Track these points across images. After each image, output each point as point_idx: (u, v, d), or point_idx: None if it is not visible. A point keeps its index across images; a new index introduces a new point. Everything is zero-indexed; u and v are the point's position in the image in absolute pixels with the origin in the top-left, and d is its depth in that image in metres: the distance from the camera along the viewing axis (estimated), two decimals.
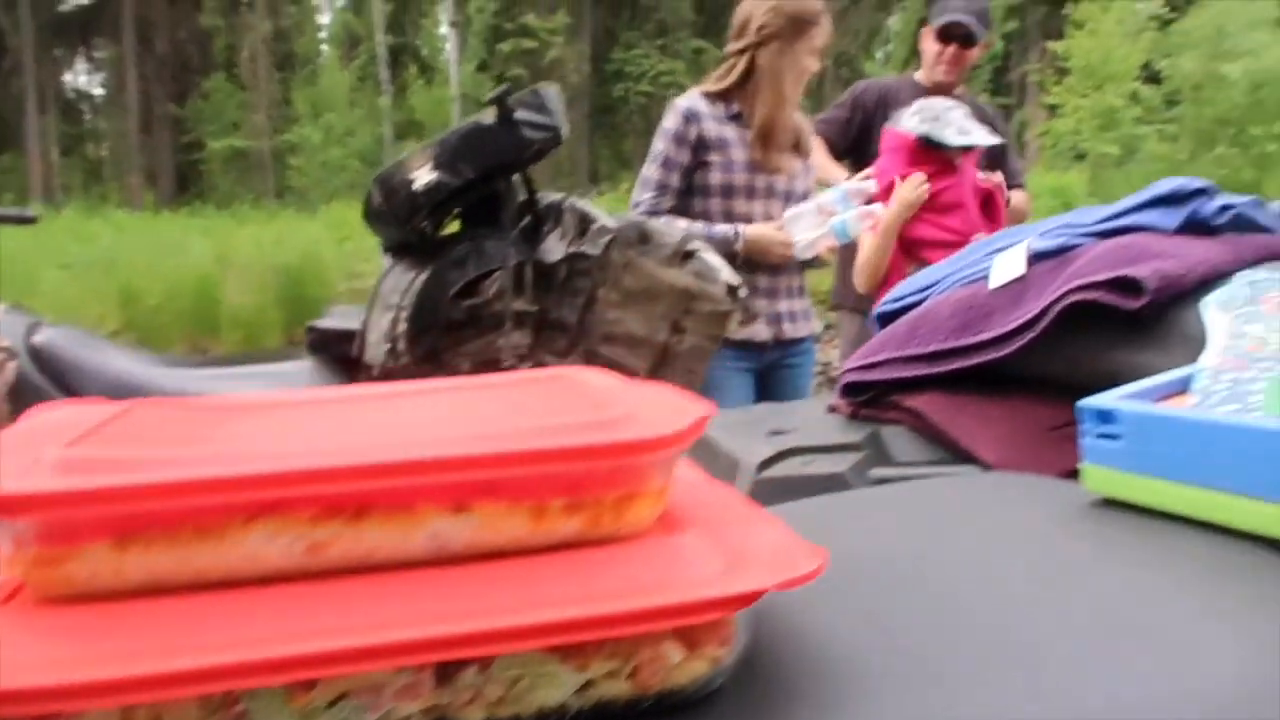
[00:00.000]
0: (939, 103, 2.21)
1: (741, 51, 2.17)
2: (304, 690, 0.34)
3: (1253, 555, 0.49)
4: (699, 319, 1.43)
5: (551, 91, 1.33)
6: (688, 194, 2.16)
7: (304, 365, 1.59)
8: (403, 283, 1.33)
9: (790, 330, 2.22)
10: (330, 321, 1.53)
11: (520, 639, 0.34)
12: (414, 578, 0.37)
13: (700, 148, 2.13)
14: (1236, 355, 0.61)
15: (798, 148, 2.24)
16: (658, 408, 0.44)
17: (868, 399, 0.89)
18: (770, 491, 0.78)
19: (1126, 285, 0.70)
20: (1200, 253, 0.71)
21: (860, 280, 2.20)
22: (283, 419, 0.44)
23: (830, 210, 2.01)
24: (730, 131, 2.15)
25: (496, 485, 0.37)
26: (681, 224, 2.08)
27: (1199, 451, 0.52)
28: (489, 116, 1.26)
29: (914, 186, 2.09)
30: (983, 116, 2.69)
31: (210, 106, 22.18)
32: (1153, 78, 16.64)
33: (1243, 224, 0.78)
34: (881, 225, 2.14)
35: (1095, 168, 16.31)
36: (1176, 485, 0.53)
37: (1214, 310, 0.67)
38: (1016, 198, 2.58)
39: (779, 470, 0.80)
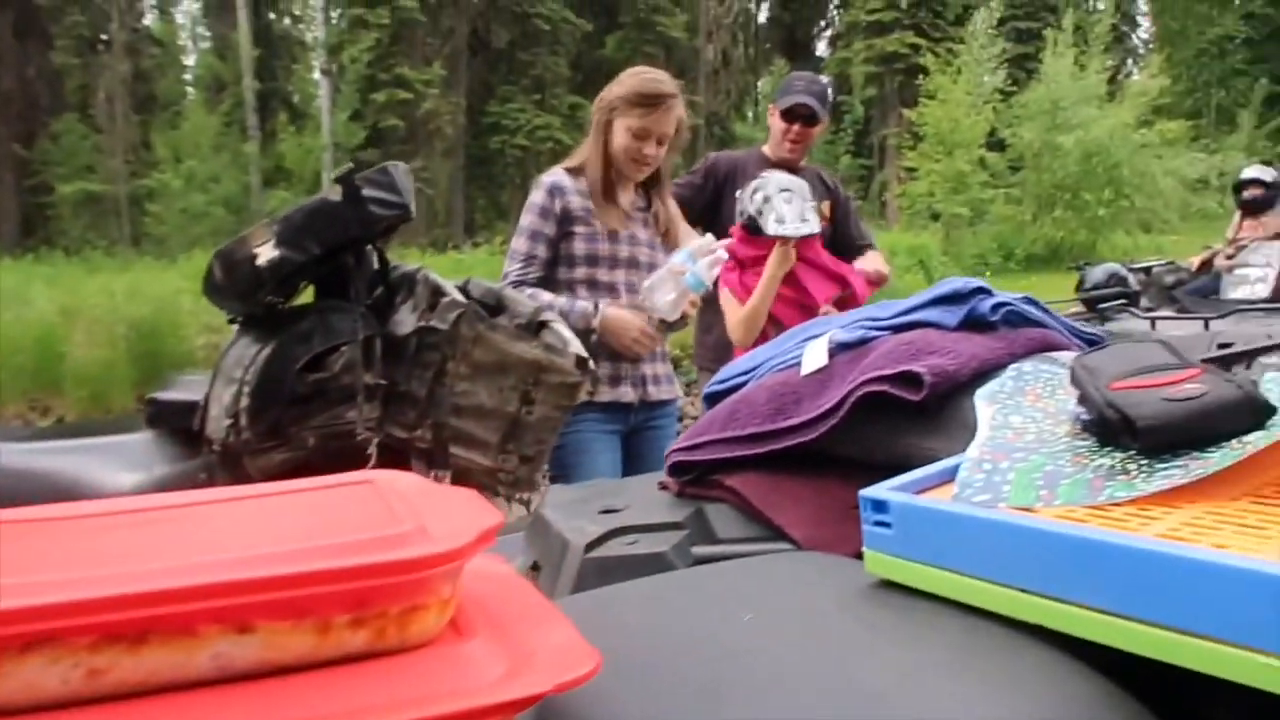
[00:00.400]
0: (775, 183, 2.40)
1: (595, 125, 2.26)
2: None
3: (1002, 637, 0.55)
4: (549, 390, 1.46)
5: (401, 168, 1.35)
6: (553, 263, 2.22)
7: (144, 438, 1.53)
8: (247, 355, 1.31)
9: (655, 393, 2.29)
10: (171, 393, 1.49)
11: None
12: (196, 699, 0.39)
13: (565, 220, 2.20)
14: (995, 446, 0.68)
15: (665, 233, 2.31)
16: (450, 519, 0.46)
17: (694, 477, 0.94)
18: (597, 571, 0.82)
19: (909, 379, 0.77)
20: (974, 348, 0.80)
21: (737, 335, 2.34)
22: (67, 537, 0.45)
23: (681, 269, 2.09)
24: (593, 204, 2.22)
25: (279, 605, 0.39)
26: (545, 297, 2.12)
27: (953, 541, 0.58)
28: (336, 193, 1.27)
29: (789, 250, 2.32)
30: (824, 187, 2.91)
31: (60, 148, 21.05)
32: (998, 145, 17.87)
33: (1016, 319, 0.87)
34: (762, 282, 2.33)
35: (948, 227, 17.33)
36: (938, 571, 0.59)
37: (982, 402, 0.74)
38: (867, 260, 2.76)
39: (605, 550, 0.83)
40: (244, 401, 1.29)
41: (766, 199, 2.36)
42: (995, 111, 17.44)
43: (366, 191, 1.30)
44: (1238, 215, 5.70)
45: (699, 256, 2.09)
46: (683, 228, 2.40)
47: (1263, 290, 4.28)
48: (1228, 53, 27.70)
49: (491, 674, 0.42)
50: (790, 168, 2.75)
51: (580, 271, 2.22)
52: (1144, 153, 16.54)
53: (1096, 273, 5.00)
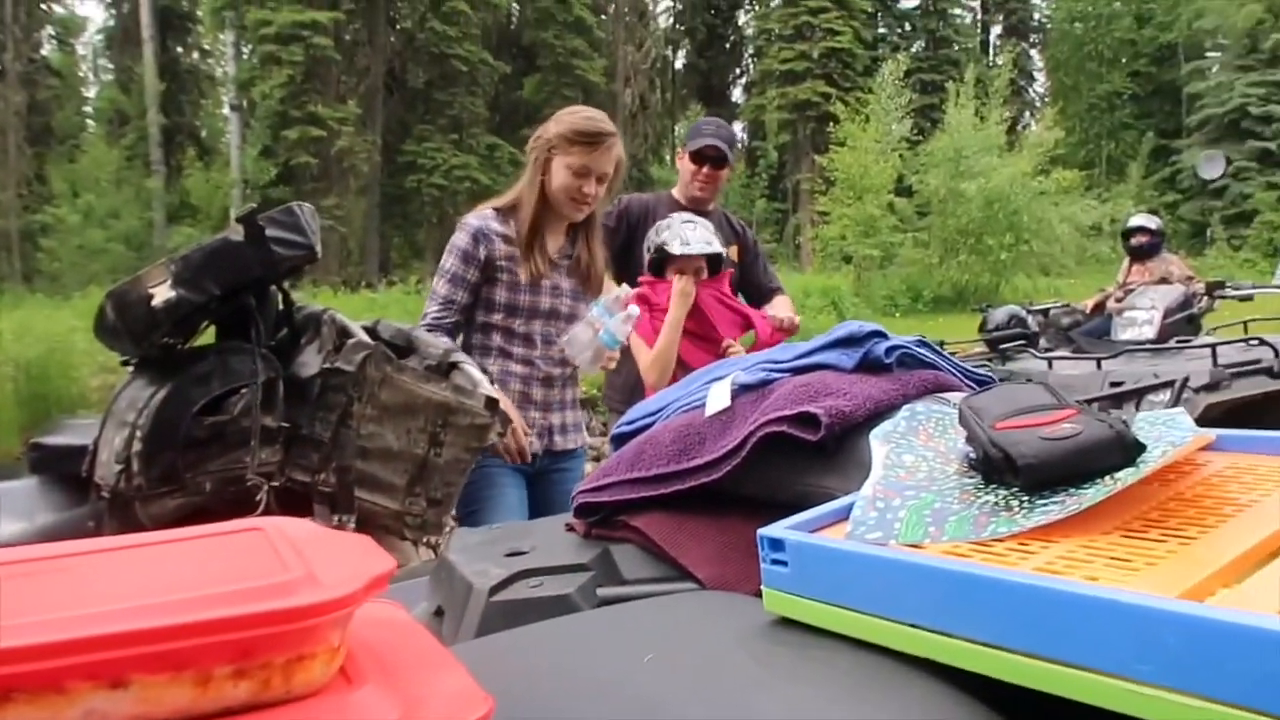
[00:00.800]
0: (678, 217, 2.51)
1: (532, 163, 2.23)
2: None
3: (892, 671, 0.57)
4: (458, 432, 1.45)
5: (306, 208, 1.33)
6: (473, 305, 2.20)
7: (27, 484, 1.46)
8: (141, 398, 1.27)
9: (560, 442, 2.28)
10: (57, 438, 1.43)
11: None
12: None
13: (488, 265, 2.18)
14: (889, 484, 0.71)
15: (588, 278, 2.30)
16: (340, 566, 0.46)
17: (600, 518, 0.94)
18: (501, 614, 0.81)
19: (807, 420, 0.79)
20: (870, 389, 0.82)
21: (650, 378, 2.36)
22: None
23: (597, 325, 2.10)
24: (518, 251, 2.19)
25: (155, 658, 0.38)
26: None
27: (846, 578, 0.60)
28: (238, 233, 1.24)
29: (685, 282, 2.36)
30: (732, 230, 2.99)
31: None
32: (906, 191, 18.52)
33: (909, 361, 0.90)
34: (666, 322, 2.36)
35: (859, 270, 17.85)
36: (833, 608, 0.61)
37: (876, 442, 0.77)
38: (777, 306, 2.83)
39: (510, 594, 0.83)
40: (137, 446, 1.25)
41: (669, 226, 2.46)
42: (902, 159, 18.10)
43: (270, 232, 1.28)
44: (1126, 260, 6.01)
45: (613, 310, 2.09)
46: (606, 276, 2.41)
47: (1149, 331, 4.51)
48: (1116, 107, 29.38)
49: None
50: (699, 209, 2.82)
51: (497, 317, 2.20)
52: (1041, 200, 17.34)
53: (998, 314, 5.20)
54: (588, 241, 2.30)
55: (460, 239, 2.19)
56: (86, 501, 1.32)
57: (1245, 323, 4.13)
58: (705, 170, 2.87)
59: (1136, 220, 6.04)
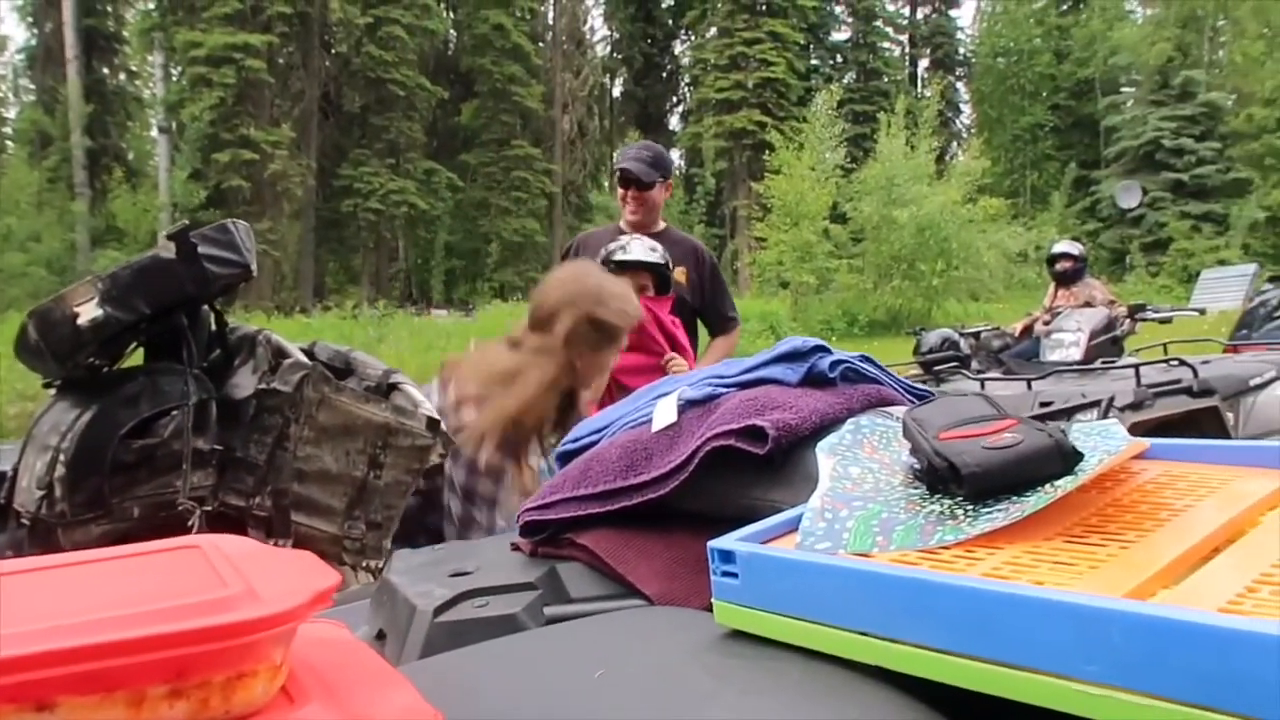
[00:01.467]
0: (624, 236, 2.64)
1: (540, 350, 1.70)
2: None
3: (842, 679, 0.57)
4: (398, 453, 1.42)
5: (241, 226, 1.30)
6: None
7: None
8: (64, 421, 1.22)
9: None
10: None
11: None
12: None
13: None
14: (836, 496, 0.71)
15: None
16: (281, 581, 0.44)
17: (546, 536, 0.93)
18: (446, 635, 0.79)
19: (754, 433, 0.79)
20: (815, 403, 0.83)
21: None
22: None
23: None
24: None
25: (83, 678, 0.36)
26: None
27: (796, 588, 0.60)
28: (169, 250, 1.21)
29: None
30: (694, 257, 3.03)
31: None
32: (840, 218, 18.89)
33: (853, 376, 0.91)
34: None
35: (796, 295, 18.12)
36: (783, 618, 0.61)
37: (823, 454, 0.77)
38: (714, 347, 3.01)
39: (454, 614, 0.81)
40: (60, 470, 1.20)
41: (615, 239, 2.59)
42: (837, 186, 18.47)
43: (203, 249, 1.24)
44: (1052, 285, 6.19)
45: None
46: None
47: (1075, 353, 4.65)
48: (1039, 139, 30.45)
49: None
50: (642, 231, 2.87)
51: None
52: (970, 227, 17.85)
53: (931, 337, 5.32)
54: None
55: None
56: (4, 530, 1.27)
57: (1165, 344, 4.29)
58: (631, 193, 2.95)
59: (1060, 247, 6.24)
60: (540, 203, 27.63)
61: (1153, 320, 5.11)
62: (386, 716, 0.43)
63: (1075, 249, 6.13)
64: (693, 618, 0.71)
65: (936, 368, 4.26)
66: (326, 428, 1.36)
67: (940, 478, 0.69)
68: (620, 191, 2.97)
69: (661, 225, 3.06)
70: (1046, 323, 5.33)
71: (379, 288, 23.48)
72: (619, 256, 2.48)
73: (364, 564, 1.40)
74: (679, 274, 2.87)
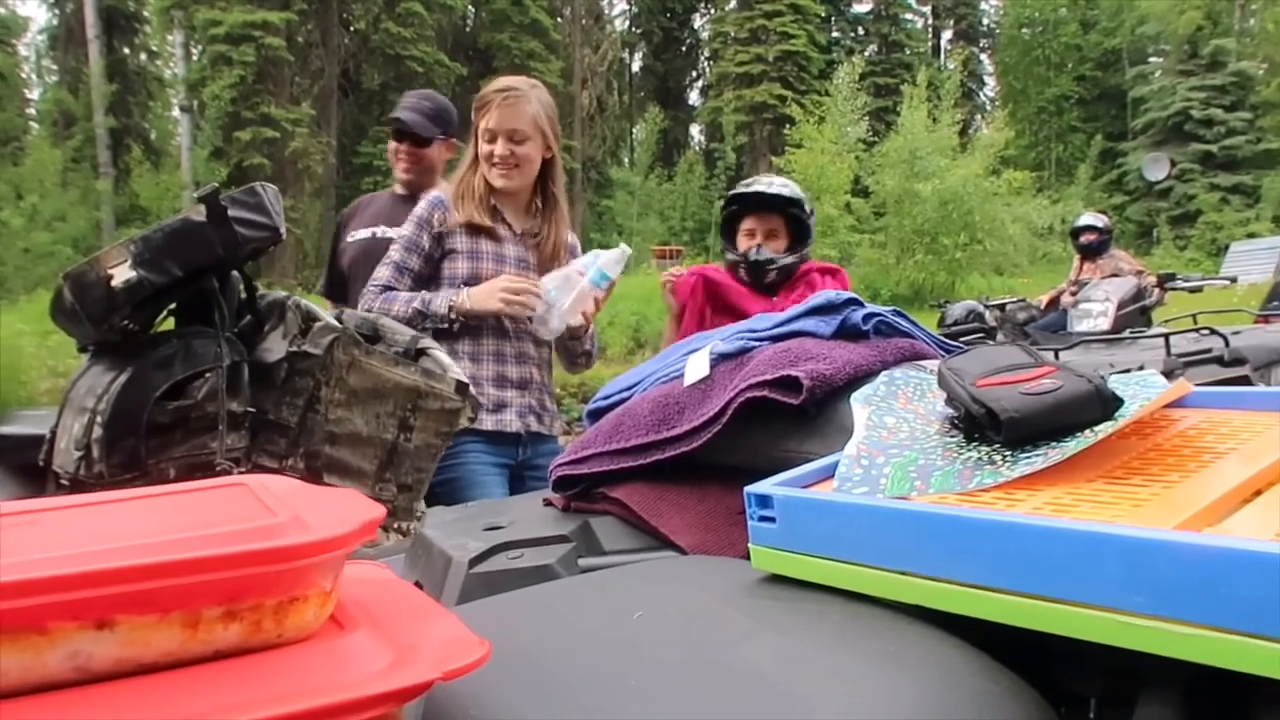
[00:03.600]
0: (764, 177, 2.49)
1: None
2: None
3: (883, 618, 0.57)
4: (428, 416, 1.42)
5: (270, 189, 1.30)
6: (434, 280, 2.12)
7: None
8: (100, 384, 1.23)
9: (540, 425, 2.20)
10: (12, 427, 1.39)
11: None
12: (47, 702, 0.35)
13: (447, 236, 2.11)
14: (872, 444, 0.71)
15: (553, 257, 2.19)
16: (329, 512, 0.44)
17: (578, 491, 0.93)
18: (482, 585, 0.80)
19: (788, 384, 0.79)
20: (848, 355, 0.82)
21: None
22: None
23: (582, 270, 2.01)
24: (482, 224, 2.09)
25: (140, 597, 0.37)
26: (403, 296, 2.05)
27: (835, 530, 0.60)
28: (199, 213, 1.21)
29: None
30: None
31: None
32: (862, 192, 18.71)
33: (886, 329, 0.91)
34: None
35: None
36: (821, 560, 0.61)
37: (857, 405, 0.77)
38: None
39: (489, 565, 0.82)
40: (97, 432, 1.21)
41: (393, 204, 2.47)
42: (858, 160, 18.29)
43: (233, 212, 1.25)
44: (1077, 258, 6.12)
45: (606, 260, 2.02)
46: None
47: (1104, 323, 4.60)
48: (1064, 111, 29.97)
49: (376, 665, 0.40)
50: (416, 192, 2.54)
51: None
52: (994, 200, 17.62)
53: (956, 310, 5.28)
54: (551, 219, 2.21)
55: (419, 207, 2.15)
56: (44, 491, 1.28)
57: (1194, 315, 4.23)
58: (404, 148, 2.61)
59: (1085, 219, 6.16)
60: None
61: (1182, 290, 5.04)
62: (434, 645, 0.43)
63: (1100, 221, 6.05)
64: (728, 564, 0.71)
65: (961, 340, 4.23)
66: (357, 391, 1.36)
67: (978, 424, 0.68)
68: (392, 145, 2.63)
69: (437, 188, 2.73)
70: (1073, 294, 5.27)
71: None
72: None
73: (395, 525, 1.41)
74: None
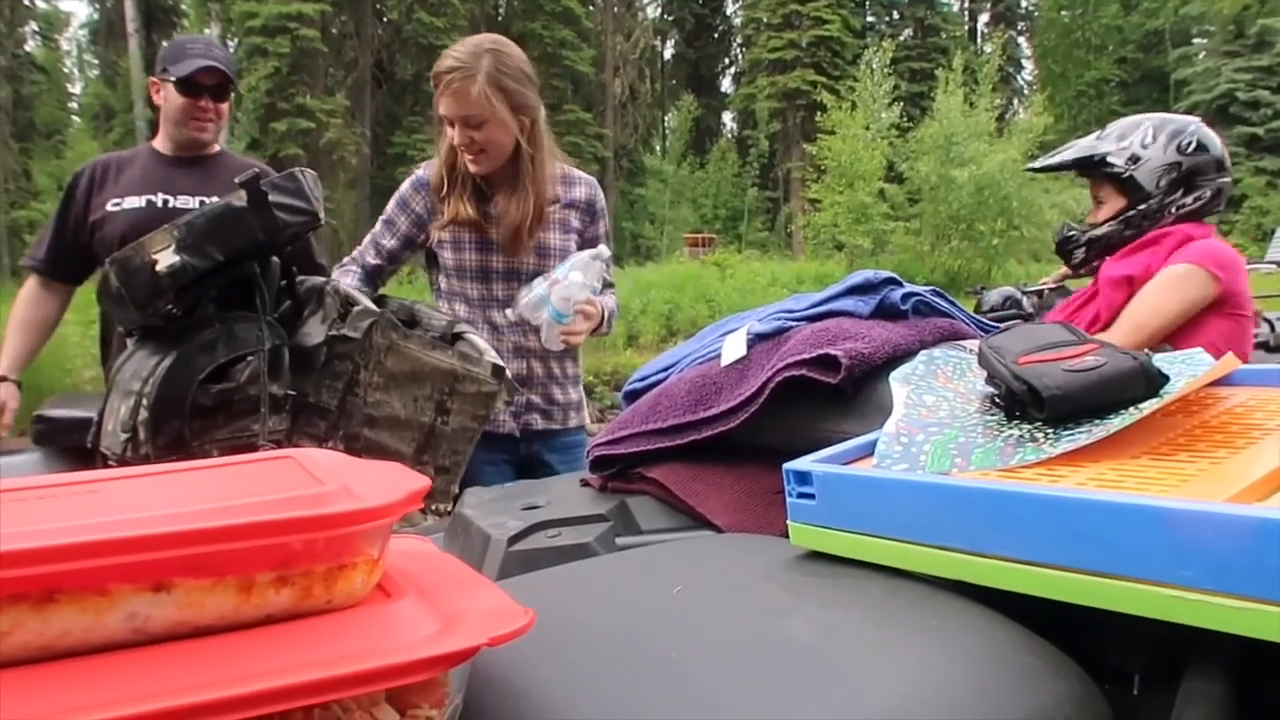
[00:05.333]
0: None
1: None
2: None
3: (924, 593, 0.57)
4: (464, 400, 1.44)
5: (309, 174, 1.32)
6: (434, 269, 2.05)
7: (31, 458, 1.45)
8: (145, 367, 1.26)
9: (539, 422, 2.08)
10: (60, 410, 1.42)
11: (212, 714, 0.34)
12: (108, 660, 0.36)
13: (428, 219, 2.01)
14: (911, 422, 0.70)
15: (514, 236, 1.99)
16: (375, 482, 0.45)
17: (615, 472, 0.94)
18: (521, 563, 0.80)
19: (827, 363, 0.79)
20: (887, 334, 0.82)
21: None
22: None
23: (553, 286, 1.86)
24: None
25: (197, 560, 0.38)
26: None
27: (875, 506, 0.60)
28: (240, 198, 1.23)
29: None
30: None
31: None
32: (896, 179, 18.54)
33: (924, 309, 0.90)
34: None
35: (851, 257, 17.86)
36: (861, 536, 0.61)
37: (896, 383, 0.76)
38: None
39: (528, 544, 0.82)
40: (143, 414, 1.24)
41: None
42: (892, 146, 18.12)
43: (273, 197, 1.26)
44: None
45: (580, 269, 1.87)
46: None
47: None
48: (1104, 94, 29.45)
49: (423, 631, 0.41)
50: (198, 154, 2.37)
51: (452, 283, 2.01)
52: (1032, 186, 17.38)
53: (993, 296, 5.19)
54: (513, 199, 1.97)
55: (402, 186, 2.07)
56: None
57: None
58: (204, 102, 2.30)
59: None
60: (592, 167, 27.54)
61: None
62: (480, 613, 0.44)
63: None
64: (766, 542, 0.71)
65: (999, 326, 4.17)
66: (395, 374, 1.38)
67: (1019, 402, 0.68)
68: (182, 101, 2.28)
69: (216, 149, 2.45)
70: None
71: None
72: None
73: (432, 507, 1.43)
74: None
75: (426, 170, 2.05)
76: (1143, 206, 1.91)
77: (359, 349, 1.33)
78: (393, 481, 0.46)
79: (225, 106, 2.35)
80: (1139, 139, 1.91)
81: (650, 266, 18.52)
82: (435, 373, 1.39)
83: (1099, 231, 1.98)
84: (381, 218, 2.09)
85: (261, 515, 0.39)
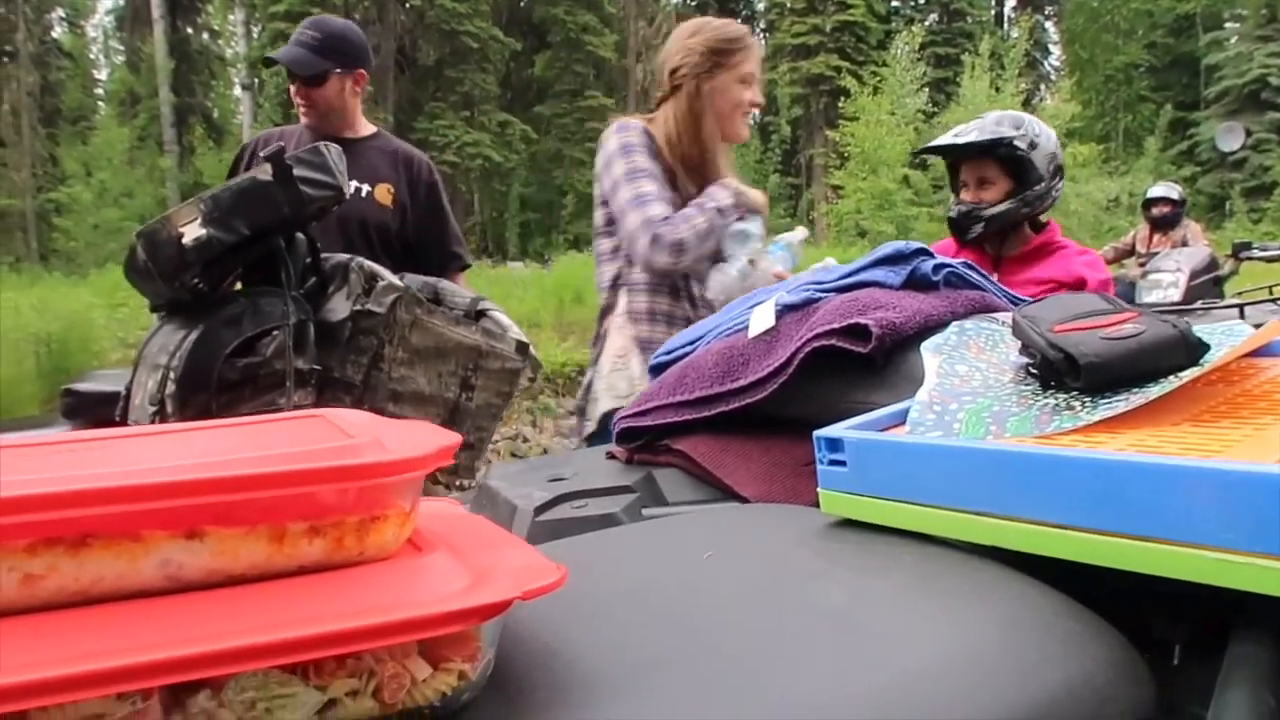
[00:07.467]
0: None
1: (663, 100, 1.96)
2: None
3: (958, 559, 0.56)
4: (489, 376, 1.44)
5: (333, 149, 1.32)
6: (612, 224, 1.94)
7: (60, 432, 1.46)
8: (172, 342, 1.27)
9: None
10: (89, 384, 1.43)
11: (246, 660, 0.34)
12: (142, 607, 0.36)
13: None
14: (944, 391, 0.69)
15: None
16: (405, 437, 0.45)
17: (642, 444, 0.93)
18: (548, 534, 0.80)
19: (857, 332, 0.78)
20: (918, 305, 0.81)
21: None
22: (5, 458, 0.42)
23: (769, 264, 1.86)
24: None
25: (229, 508, 0.37)
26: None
27: (909, 472, 0.59)
28: (266, 172, 1.23)
29: None
30: (388, 161, 2.43)
31: None
32: (921, 165, 18.36)
33: (955, 281, 0.89)
34: None
35: (874, 244, 17.73)
36: (893, 503, 0.60)
37: (928, 353, 0.75)
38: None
39: (555, 514, 0.82)
40: (170, 388, 1.25)
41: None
42: (917, 132, 17.94)
43: (298, 171, 1.27)
44: (1144, 229, 5.91)
45: (788, 246, 1.92)
46: None
47: (1174, 294, 4.46)
48: (1133, 80, 29.02)
49: (456, 584, 0.40)
50: (321, 135, 2.30)
51: (646, 275, 1.91)
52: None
53: None
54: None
55: (627, 137, 1.90)
56: None
57: (1271, 286, 4.08)
58: (297, 88, 2.34)
59: (1158, 190, 5.95)
60: None
61: (1259, 258, 4.85)
62: (511, 569, 0.43)
63: (1174, 192, 5.84)
64: (796, 511, 0.70)
65: None
66: (419, 349, 1.38)
67: (1055, 371, 0.66)
68: (290, 86, 2.36)
69: (365, 130, 2.44)
70: (1142, 264, 5.12)
71: None
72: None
73: (457, 483, 1.43)
74: (381, 193, 2.36)
75: (635, 121, 1.96)
76: (1038, 187, 2.10)
77: (383, 324, 1.34)
78: (423, 436, 0.46)
79: (320, 92, 2.32)
80: (1031, 129, 2.09)
81: None
82: (459, 348, 1.40)
83: (999, 209, 2.11)
84: (638, 177, 1.86)
85: (293, 465, 0.39)
